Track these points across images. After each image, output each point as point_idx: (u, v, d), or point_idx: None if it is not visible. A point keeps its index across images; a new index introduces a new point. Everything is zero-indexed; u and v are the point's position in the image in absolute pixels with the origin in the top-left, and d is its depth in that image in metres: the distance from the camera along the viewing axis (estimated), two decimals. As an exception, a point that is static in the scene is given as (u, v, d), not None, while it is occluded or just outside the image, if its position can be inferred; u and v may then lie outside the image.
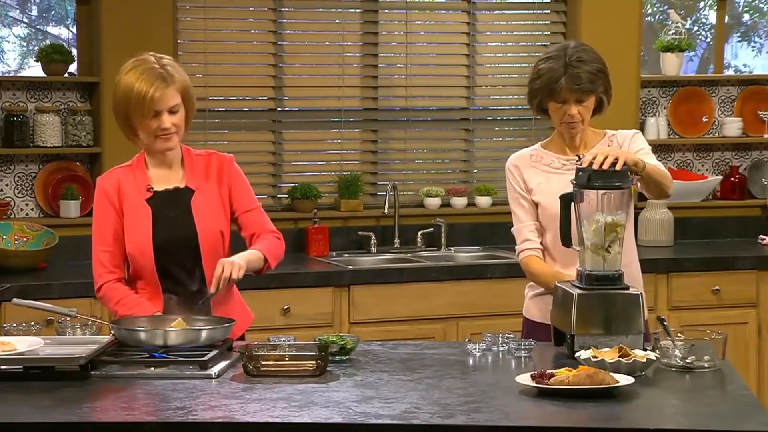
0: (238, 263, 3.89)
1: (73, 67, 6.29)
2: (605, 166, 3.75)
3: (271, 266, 4.04)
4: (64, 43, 6.65)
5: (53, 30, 8.55)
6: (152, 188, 4.02)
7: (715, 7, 7.35)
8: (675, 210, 6.81)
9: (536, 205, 4.20)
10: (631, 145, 4.14)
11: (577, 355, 3.58)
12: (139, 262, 3.99)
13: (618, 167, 3.76)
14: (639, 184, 3.99)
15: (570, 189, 3.87)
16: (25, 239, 5.92)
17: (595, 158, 3.77)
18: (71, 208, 6.12)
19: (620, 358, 3.48)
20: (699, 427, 3.07)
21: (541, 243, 4.20)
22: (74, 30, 6.71)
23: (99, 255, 4.02)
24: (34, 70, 6.93)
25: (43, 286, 5.51)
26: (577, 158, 3.86)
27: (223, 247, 4.02)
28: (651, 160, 4.01)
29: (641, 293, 3.82)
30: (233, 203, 4.08)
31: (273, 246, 4.06)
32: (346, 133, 6.76)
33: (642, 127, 6.86)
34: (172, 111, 3.93)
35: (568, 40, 4.70)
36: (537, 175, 4.21)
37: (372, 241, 6.52)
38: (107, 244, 4.00)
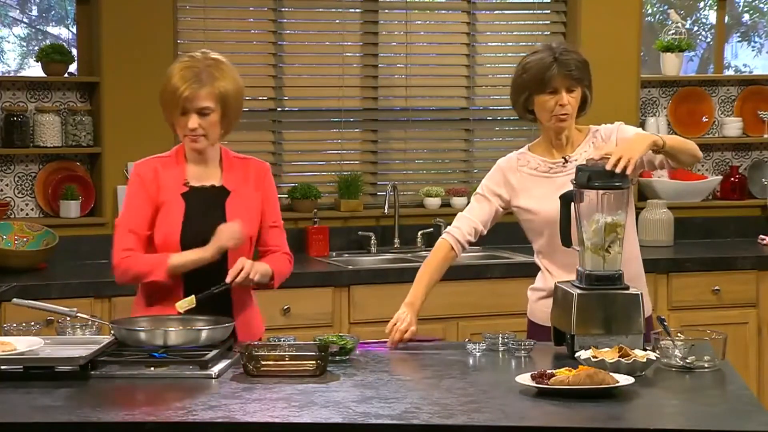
0: (256, 268, 3.91)
1: (73, 67, 6.29)
2: (618, 170, 3.72)
3: (274, 287, 4.06)
4: (64, 43, 6.65)
5: (53, 30, 8.55)
6: (189, 183, 4.02)
7: (715, 7, 7.35)
8: (675, 210, 6.81)
9: (509, 211, 4.19)
10: (620, 137, 4.09)
11: (577, 355, 3.58)
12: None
13: (629, 171, 3.74)
14: (669, 163, 3.96)
15: (570, 188, 3.86)
16: (25, 239, 5.92)
17: (607, 158, 3.74)
18: (71, 208, 6.12)
19: (620, 358, 3.48)
20: (699, 427, 3.07)
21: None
22: (74, 30, 6.71)
23: (123, 237, 3.94)
24: (34, 70, 6.93)
25: (43, 286, 5.51)
26: (563, 160, 3.85)
27: (249, 253, 4.03)
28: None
29: (641, 293, 3.81)
30: (262, 214, 4.07)
31: (284, 269, 4.08)
32: (346, 133, 6.76)
33: (642, 127, 6.84)
34: (201, 113, 3.91)
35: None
36: (524, 180, 4.18)
37: (372, 241, 6.52)
38: (135, 227, 3.95)
